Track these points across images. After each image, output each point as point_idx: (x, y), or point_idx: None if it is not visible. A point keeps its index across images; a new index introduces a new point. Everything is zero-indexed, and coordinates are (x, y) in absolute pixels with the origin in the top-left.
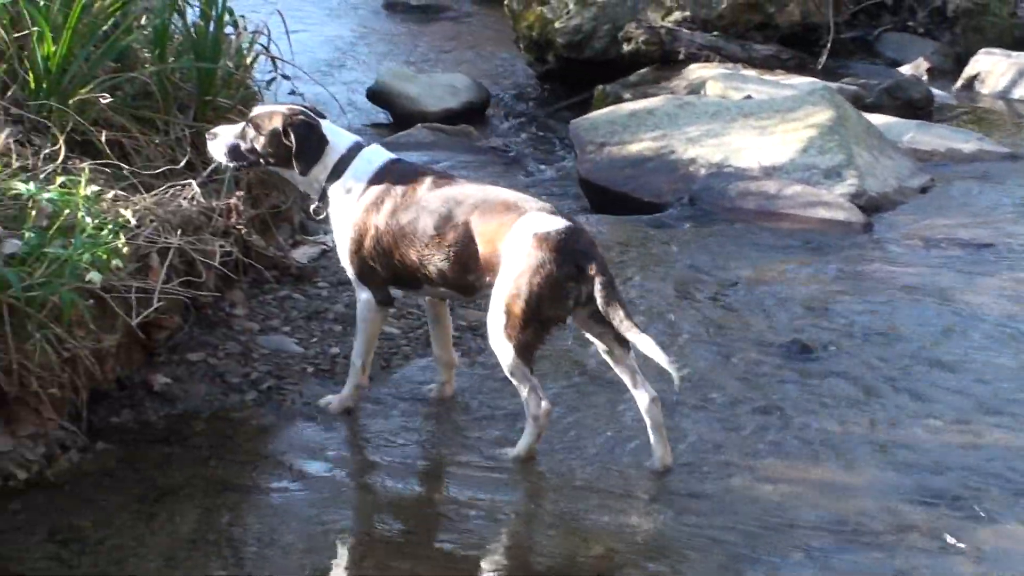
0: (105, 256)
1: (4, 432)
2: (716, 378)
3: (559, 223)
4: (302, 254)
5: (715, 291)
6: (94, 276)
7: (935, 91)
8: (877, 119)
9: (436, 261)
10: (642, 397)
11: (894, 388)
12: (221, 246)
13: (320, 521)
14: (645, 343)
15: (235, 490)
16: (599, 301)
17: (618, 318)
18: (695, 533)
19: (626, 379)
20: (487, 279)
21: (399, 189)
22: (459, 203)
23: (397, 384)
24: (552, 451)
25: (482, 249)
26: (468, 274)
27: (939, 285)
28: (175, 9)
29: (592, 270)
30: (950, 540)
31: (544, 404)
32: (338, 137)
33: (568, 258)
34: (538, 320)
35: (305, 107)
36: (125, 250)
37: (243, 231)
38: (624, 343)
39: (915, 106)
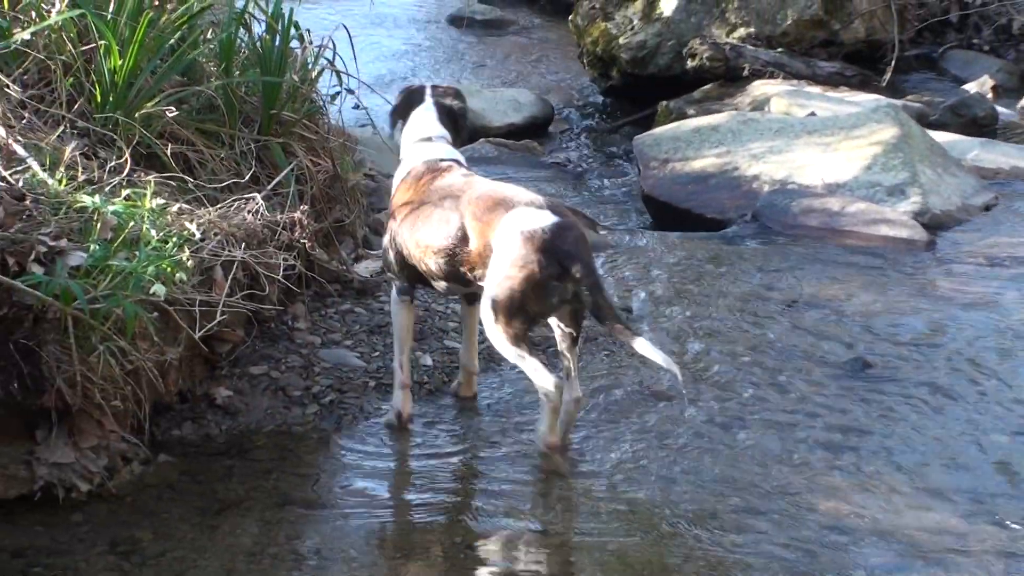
0: (169, 269)
1: (67, 444)
2: (777, 394)
3: (546, 220)
4: (364, 268)
5: (778, 308)
6: (158, 289)
7: (1000, 109)
8: (941, 137)
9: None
10: (569, 392)
11: (957, 406)
12: (284, 259)
13: (380, 536)
14: (641, 345)
15: (296, 504)
16: (588, 307)
17: (610, 324)
18: (755, 551)
19: (566, 370)
20: (479, 272)
21: (422, 179)
22: (455, 197)
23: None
24: (602, 468)
25: (473, 244)
26: (461, 267)
27: (1002, 303)
28: (241, 23)
29: (577, 272)
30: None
31: (552, 379)
32: (421, 125)
33: (552, 258)
34: (524, 314)
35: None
36: (189, 263)
37: (306, 245)
38: (575, 341)
39: (980, 124)
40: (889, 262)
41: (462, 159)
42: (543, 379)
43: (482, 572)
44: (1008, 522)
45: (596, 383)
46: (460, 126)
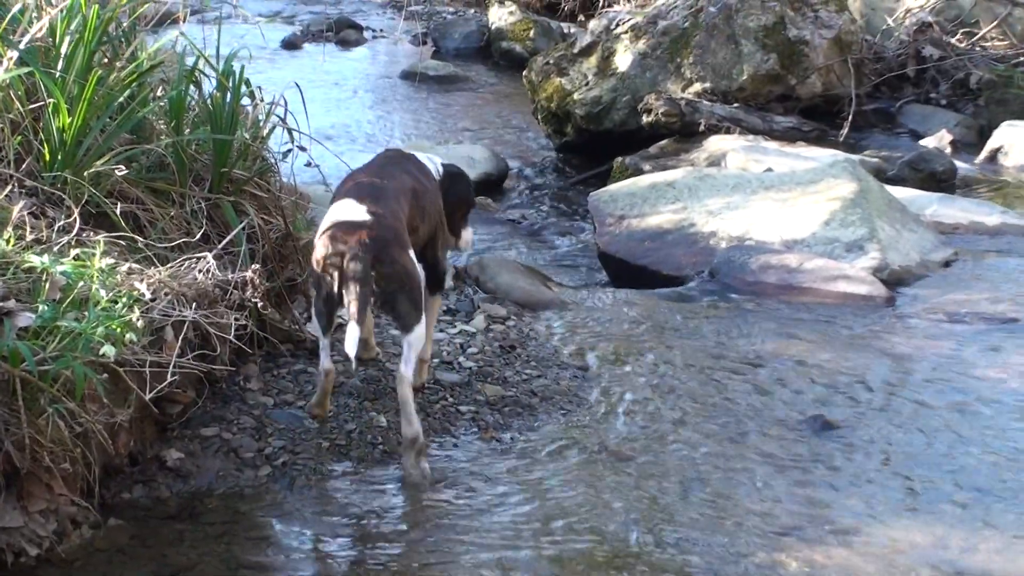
0: (119, 329)
1: (16, 508)
2: (738, 455)
3: (354, 215)
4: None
5: (736, 366)
6: (108, 350)
7: (958, 163)
8: (899, 192)
9: None
10: (398, 372)
11: (918, 466)
12: (236, 319)
13: None
14: (350, 330)
15: (248, 568)
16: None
17: (348, 305)
18: None
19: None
20: None
21: None
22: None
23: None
24: (567, 527)
25: None
26: None
27: (963, 360)
28: (191, 80)
29: (347, 263)
30: None
31: (326, 364)
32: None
33: (336, 247)
34: (319, 290)
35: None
36: (139, 323)
37: (258, 304)
38: (406, 327)
39: (938, 179)
40: (848, 319)
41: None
42: (322, 360)
43: None
44: None
45: (553, 444)
46: None
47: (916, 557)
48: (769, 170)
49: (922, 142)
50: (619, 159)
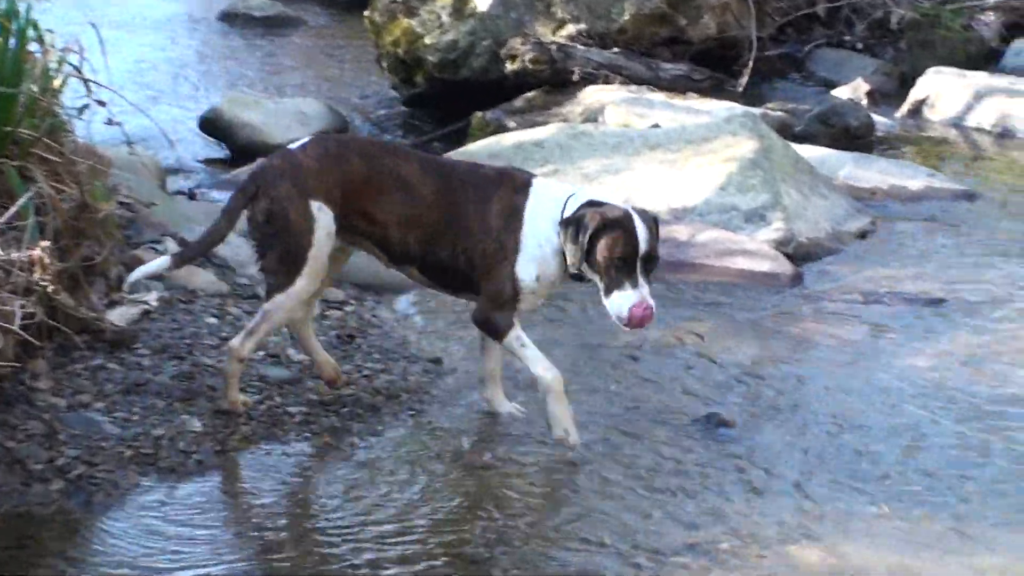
0: None
1: None
2: (620, 457)
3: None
4: (119, 315)
5: (617, 357)
6: None
7: (876, 118)
8: (808, 151)
9: None
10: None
11: (825, 470)
12: (22, 306)
13: None
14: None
15: None
16: None
17: None
18: None
19: None
20: None
21: None
22: None
23: (235, 475)
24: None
25: None
26: None
27: (880, 348)
28: None
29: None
30: None
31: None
32: None
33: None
34: None
35: None
36: None
37: (48, 288)
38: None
39: (853, 135)
40: (748, 301)
41: None
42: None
43: None
44: None
45: (401, 451)
46: None
47: None
48: (655, 126)
49: (834, 92)
50: (479, 114)
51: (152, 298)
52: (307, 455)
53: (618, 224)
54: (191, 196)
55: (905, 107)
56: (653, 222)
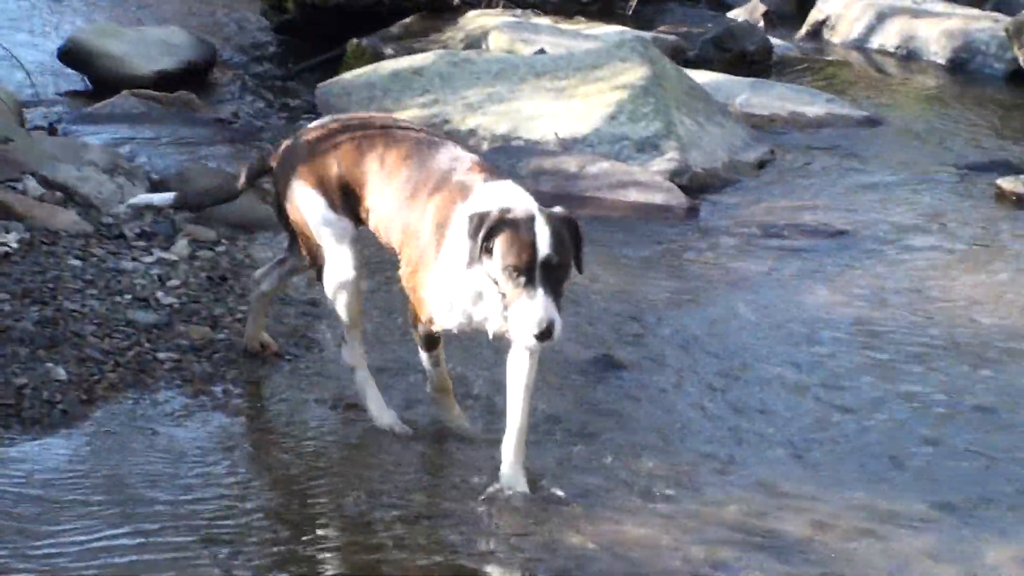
0: None
1: None
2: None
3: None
4: None
5: None
6: None
7: (774, 40)
8: (702, 77)
9: None
10: None
11: (724, 411)
12: None
13: None
14: None
15: None
16: None
17: None
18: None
19: None
20: None
21: None
22: None
23: (102, 424)
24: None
25: None
26: None
27: (780, 283)
28: None
29: None
30: None
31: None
32: None
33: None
34: None
35: None
36: None
37: None
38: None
39: (750, 60)
40: (641, 235)
41: None
42: None
43: None
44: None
45: (278, 398)
46: None
47: (716, 527)
48: (541, 52)
49: (730, 15)
50: (353, 41)
51: (11, 239)
52: (177, 403)
53: (515, 224)
54: (51, 131)
55: (804, 29)
56: (564, 224)
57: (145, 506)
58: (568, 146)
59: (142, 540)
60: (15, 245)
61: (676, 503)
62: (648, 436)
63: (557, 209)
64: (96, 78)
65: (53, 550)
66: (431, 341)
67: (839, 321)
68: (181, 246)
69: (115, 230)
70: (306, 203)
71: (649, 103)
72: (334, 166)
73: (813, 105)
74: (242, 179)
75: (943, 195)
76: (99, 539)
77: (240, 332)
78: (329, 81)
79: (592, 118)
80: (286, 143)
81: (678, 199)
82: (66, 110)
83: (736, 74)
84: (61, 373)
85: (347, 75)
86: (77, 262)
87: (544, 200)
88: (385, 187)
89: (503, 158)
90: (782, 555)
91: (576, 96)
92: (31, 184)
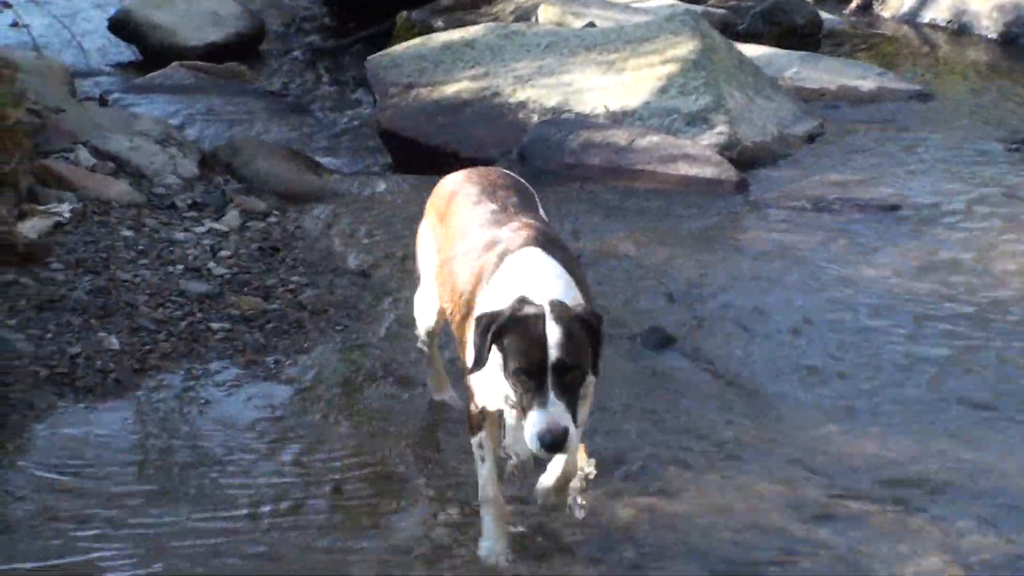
0: None
1: None
2: None
3: None
4: (31, 228)
5: None
6: None
7: (824, 14)
8: (752, 51)
9: None
10: None
11: (774, 385)
12: None
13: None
14: None
15: None
16: None
17: None
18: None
19: None
20: None
21: None
22: None
23: (153, 394)
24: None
25: None
26: None
27: (829, 259)
28: None
29: None
30: None
31: None
32: None
33: None
34: None
35: None
36: None
37: None
38: None
39: (799, 33)
40: (691, 208)
41: None
42: None
43: None
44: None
45: (328, 369)
46: None
47: (768, 497)
48: (591, 25)
49: None
50: (403, 14)
51: (65, 209)
52: (229, 373)
53: (521, 324)
54: (102, 102)
55: (854, 3)
56: (578, 323)
57: (197, 478)
58: (618, 119)
59: (190, 509)
60: (68, 215)
61: (730, 474)
62: (701, 408)
63: (577, 304)
64: (146, 49)
65: (111, 512)
66: (477, 423)
67: (889, 293)
68: (232, 217)
69: (167, 201)
70: (421, 235)
71: (699, 76)
72: (438, 214)
73: (863, 79)
74: None
75: (993, 170)
76: (151, 507)
77: (291, 303)
78: (379, 54)
79: (642, 91)
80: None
81: (728, 173)
82: (116, 81)
83: (785, 48)
84: (114, 343)
85: (397, 48)
86: (129, 232)
87: (592, 173)
88: (447, 250)
89: (553, 131)
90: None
91: (626, 69)
92: (83, 154)
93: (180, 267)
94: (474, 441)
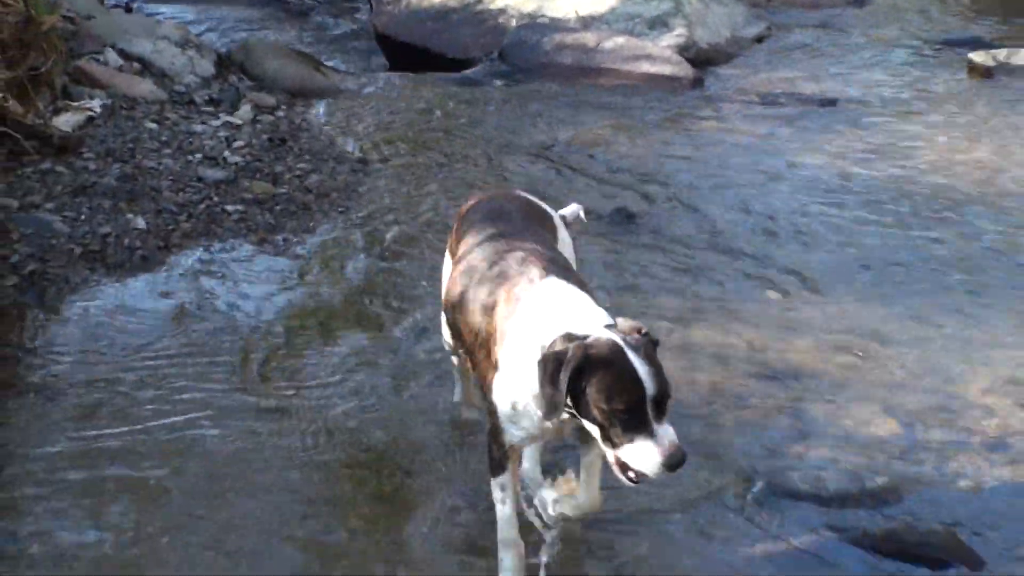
0: None
1: None
2: None
3: None
4: (65, 122)
5: (530, 156)
6: None
7: None
8: None
9: None
10: None
11: (727, 256)
12: None
13: (76, 433)
14: None
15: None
16: None
17: None
18: None
19: None
20: None
21: None
22: None
23: (178, 267)
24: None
25: None
26: None
27: (775, 145)
28: None
29: None
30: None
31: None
32: None
33: None
34: None
35: None
36: None
37: None
38: None
39: None
40: (652, 102)
41: None
42: None
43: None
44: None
45: (331, 246)
46: None
47: (735, 352)
48: None
49: None
50: None
51: (96, 105)
52: (244, 251)
53: (607, 363)
54: (127, 9)
55: None
56: (651, 345)
57: (213, 334)
58: (587, 23)
59: (207, 361)
60: (98, 110)
61: (686, 337)
62: (661, 277)
63: (630, 328)
64: None
65: (145, 362)
66: (503, 463)
67: (830, 177)
68: (245, 111)
69: (186, 97)
70: (447, 253)
71: None
72: (456, 237)
73: None
74: None
75: (922, 68)
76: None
77: (298, 188)
78: None
79: None
80: None
81: (685, 71)
82: None
83: None
84: (141, 223)
85: None
86: (153, 125)
87: (565, 71)
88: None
89: (529, 34)
90: (786, 382)
91: None
92: (112, 56)
93: (199, 156)
94: (496, 482)
